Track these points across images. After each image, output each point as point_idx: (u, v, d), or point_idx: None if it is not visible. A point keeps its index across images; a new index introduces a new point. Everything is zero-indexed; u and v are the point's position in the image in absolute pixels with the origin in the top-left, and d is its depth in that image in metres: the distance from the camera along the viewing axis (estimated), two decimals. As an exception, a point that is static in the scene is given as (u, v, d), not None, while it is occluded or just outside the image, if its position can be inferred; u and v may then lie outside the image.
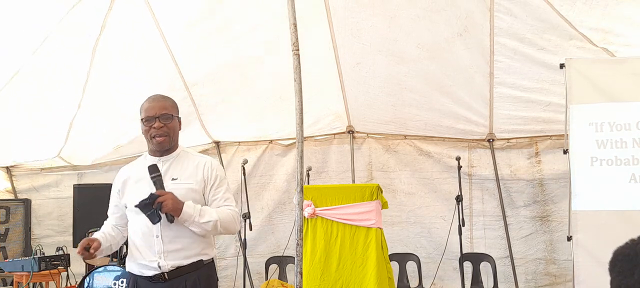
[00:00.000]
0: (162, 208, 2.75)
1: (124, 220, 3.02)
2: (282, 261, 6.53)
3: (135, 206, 2.80)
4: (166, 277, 2.82)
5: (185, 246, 2.85)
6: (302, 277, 3.85)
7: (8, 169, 7.16)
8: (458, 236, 5.58)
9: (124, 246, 5.58)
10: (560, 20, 4.99)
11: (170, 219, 2.79)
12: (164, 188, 2.82)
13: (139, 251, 2.87)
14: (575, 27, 5.02)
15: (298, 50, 3.87)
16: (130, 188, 2.92)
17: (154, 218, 2.79)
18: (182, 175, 2.92)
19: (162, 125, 2.86)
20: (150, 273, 2.83)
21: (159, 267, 2.81)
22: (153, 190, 2.82)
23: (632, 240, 1.88)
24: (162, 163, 2.92)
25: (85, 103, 6.23)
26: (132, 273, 2.95)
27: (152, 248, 2.83)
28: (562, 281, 6.06)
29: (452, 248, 6.00)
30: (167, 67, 6.02)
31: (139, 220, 2.85)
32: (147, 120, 2.87)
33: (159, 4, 5.44)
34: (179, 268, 2.83)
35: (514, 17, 5.12)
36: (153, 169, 2.87)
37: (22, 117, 6.27)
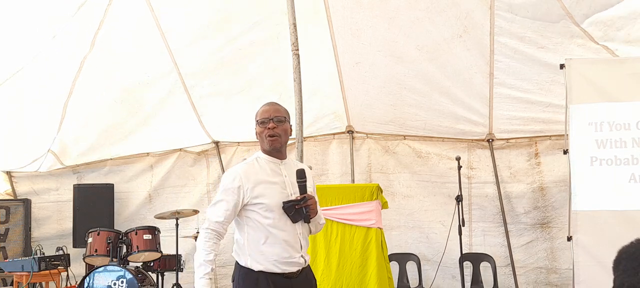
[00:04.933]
0: (309, 210, 3.02)
1: (230, 222, 3.07)
2: (282, 261, 6.52)
3: (285, 206, 2.98)
4: (300, 272, 3.01)
5: (308, 242, 3.15)
6: (302, 277, 3.85)
7: (8, 172, 7.16)
8: (458, 239, 5.57)
9: (124, 246, 5.66)
10: (561, 17, 4.97)
11: (308, 220, 3.05)
12: (306, 192, 3.04)
13: (282, 248, 2.97)
14: (576, 23, 5.01)
15: (298, 50, 3.88)
16: (265, 189, 2.99)
17: (297, 218, 3.01)
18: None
19: (275, 126, 3.05)
20: (295, 269, 2.99)
21: (305, 261, 3.04)
22: (290, 191, 3.03)
23: (638, 240, 1.90)
24: (283, 167, 3.09)
25: (77, 98, 6.24)
26: (262, 272, 2.96)
27: (296, 245, 3.01)
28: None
29: (451, 255, 5.98)
30: (166, 67, 6.03)
31: (282, 218, 2.98)
32: (263, 122, 3.06)
33: (160, 5, 5.46)
34: (308, 263, 3.11)
35: (514, 15, 5.11)
36: (301, 174, 3.06)
37: (14, 117, 6.28)
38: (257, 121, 3.08)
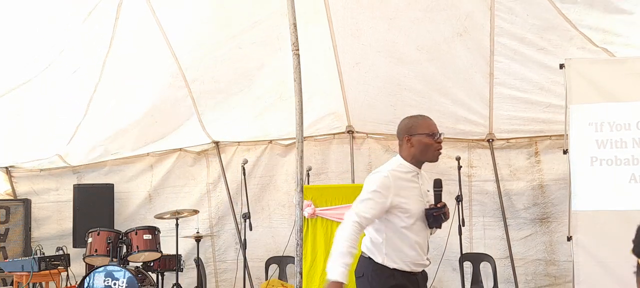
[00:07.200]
0: (445, 218, 3.19)
1: (374, 221, 3.14)
2: (282, 261, 6.53)
3: (428, 213, 3.15)
4: (421, 272, 3.23)
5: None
6: (302, 277, 3.86)
7: (8, 171, 7.15)
8: (458, 237, 5.59)
9: (124, 246, 5.66)
10: (561, 20, 4.99)
11: (440, 226, 3.23)
12: (440, 201, 3.22)
13: (416, 251, 3.14)
14: (575, 27, 5.02)
15: (298, 50, 3.88)
16: (408, 195, 3.13)
17: (434, 224, 3.17)
18: (427, 188, 3.28)
19: (441, 141, 3.22)
20: (420, 269, 3.20)
21: (429, 262, 3.24)
22: (425, 199, 3.18)
23: None
24: (419, 176, 3.22)
25: (93, 105, 6.24)
26: (396, 269, 3.10)
27: (425, 248, 3.21)
28: (562, 282, 6.05)
29: (451, 249, 6.00)
30: (168, 67, 6.03)
31: (418, 223, 3.15)
32: (433, 135, 3.18)
33: (162, 8, 5.45)
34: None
35: (514, 16, 5.11)
36: (438, 184, 3.24)
37: (27, 119, 6.26)
38: (424, 133, 3.16)
